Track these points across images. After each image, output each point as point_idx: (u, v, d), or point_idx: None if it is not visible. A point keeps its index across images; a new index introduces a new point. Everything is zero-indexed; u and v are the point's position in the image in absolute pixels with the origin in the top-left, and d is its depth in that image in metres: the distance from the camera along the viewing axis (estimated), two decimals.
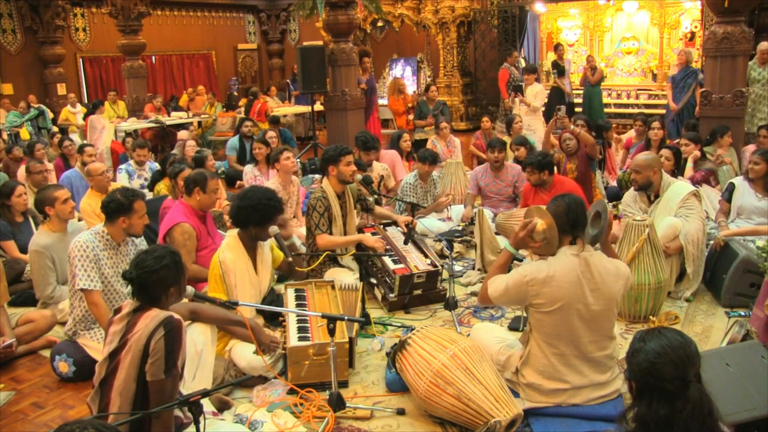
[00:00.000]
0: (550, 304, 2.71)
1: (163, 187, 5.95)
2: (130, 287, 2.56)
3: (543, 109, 9.24)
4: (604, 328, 2.78)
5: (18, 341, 3.84)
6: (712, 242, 4.43)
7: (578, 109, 10.06)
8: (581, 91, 10.41)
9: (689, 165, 5.82)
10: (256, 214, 3.48)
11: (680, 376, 1.75)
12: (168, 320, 2.41)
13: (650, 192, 4.36)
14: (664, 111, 9.44)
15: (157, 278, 2.48)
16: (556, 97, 10.19)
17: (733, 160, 6.07)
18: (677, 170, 5.44)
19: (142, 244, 3.88)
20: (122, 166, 7.01)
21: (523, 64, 12.32)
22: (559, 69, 10.23)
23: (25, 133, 10.03)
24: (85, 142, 7.22)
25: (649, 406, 1.77)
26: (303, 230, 4.88)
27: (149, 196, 5.94)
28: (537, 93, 9.00)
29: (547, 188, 5.07)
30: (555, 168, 5.32)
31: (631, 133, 7.52)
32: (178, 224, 4.08)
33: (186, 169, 5.10)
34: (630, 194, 4.57)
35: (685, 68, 8.47)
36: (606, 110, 10.61)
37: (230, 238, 3.56)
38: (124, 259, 3.63)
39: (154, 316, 2.43)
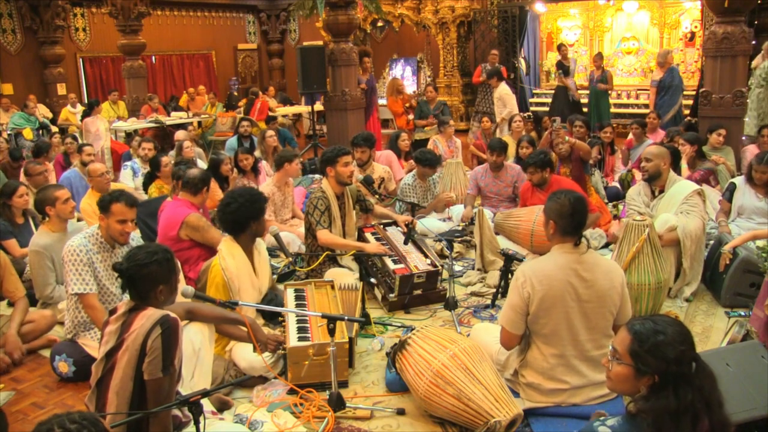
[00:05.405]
0: (544, 301, 2.70)
1: (155, 190, 5.91)
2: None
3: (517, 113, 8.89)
4: (600, 326, 2.77)
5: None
6: (712, 242, 4.43)
7: (584, 109, 10.03)
8: (586, 91, 10.36)
9: (683, 165, 5.81)
10: (251, 209, 3.50)
11: (693, 355, 1.77)
12: (164, 319, 2.41)
13: (656, 186, 4.37)
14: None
15: (147, 272, 2.48)
16: (562, 96, 10.18)
17: (727, 160, 6.06)
18: (676, 170, 5.43)
19: (139, 243, 3.88)
20: (127, 163, 6.97)
21: (523, 64, 12.33)
22: (564, 69, 10.19)
23: (28, 133, 10.03)
24: (84, 141, 7.23)
25: (677, 395, 1.71)
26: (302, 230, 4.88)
27: (144, 197, 5.90)
28: (503, 96, 8.65)
29: (545, 188, 5.07)
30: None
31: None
32: (189, 214, 4.25)
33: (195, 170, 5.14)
34: (635, 188, 4.56)
35: (670, 69, 8.43)
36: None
37: (227, 245, 3.54)
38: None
39: (149, 315, 2.43)
